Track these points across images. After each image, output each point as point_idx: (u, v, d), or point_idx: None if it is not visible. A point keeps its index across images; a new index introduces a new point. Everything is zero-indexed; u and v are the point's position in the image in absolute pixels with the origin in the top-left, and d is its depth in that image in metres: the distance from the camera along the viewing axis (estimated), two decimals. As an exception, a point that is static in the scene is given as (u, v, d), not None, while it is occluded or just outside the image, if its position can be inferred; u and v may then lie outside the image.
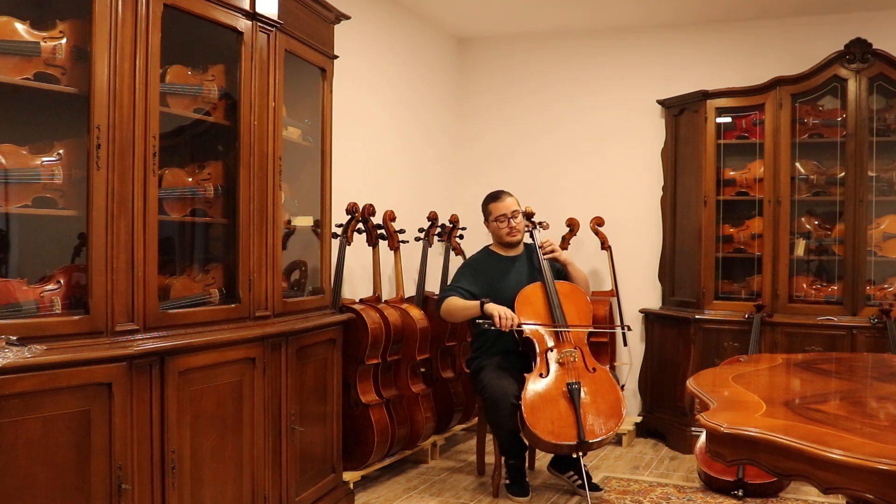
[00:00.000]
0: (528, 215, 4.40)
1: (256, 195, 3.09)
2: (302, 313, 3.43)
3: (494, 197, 4.22)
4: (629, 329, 4.81)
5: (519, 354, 4.01)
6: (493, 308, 3.85)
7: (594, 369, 3.94)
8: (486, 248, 4.32)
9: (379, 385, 4.19)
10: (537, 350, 3.89)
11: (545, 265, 4.10)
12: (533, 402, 3.73)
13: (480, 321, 3.87)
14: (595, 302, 4.69)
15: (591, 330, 4.16)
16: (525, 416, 3.69)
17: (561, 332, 3.96)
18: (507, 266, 4.21)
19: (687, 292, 5.23)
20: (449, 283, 4.44)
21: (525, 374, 3.83)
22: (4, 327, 2.16)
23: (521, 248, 4.27)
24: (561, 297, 4.05)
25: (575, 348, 3.95)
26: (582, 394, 3.77)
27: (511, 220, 4.15)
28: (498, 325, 3.80)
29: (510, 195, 4.21)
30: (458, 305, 3.99)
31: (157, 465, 2.54)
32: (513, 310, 3.90)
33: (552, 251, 4.16)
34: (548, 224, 4.48)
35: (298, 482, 3.34)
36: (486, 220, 4.26)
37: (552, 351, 3.91)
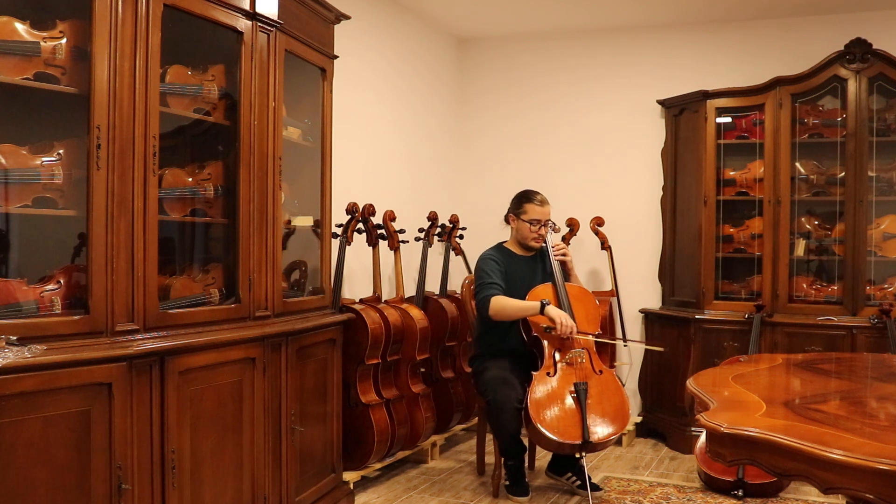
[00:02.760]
0: None
1: (256, 195, 3.09)
2: (302, 313, 3.43)
3: (533, 198, 4.14)
4: (663, 350, 4.81)
5: (524, 354, 4.01)
6: (554, 312, 3.82)
7: (601, 371, 3.94)
8: (501, 246, 4.26)
9: (379, 385, 4.19)
10: (546, 349, 3.89)
11: (556, 268, 4.09)
12: (539, 400, 3.73)
13: (544, 325, 3.84)
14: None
15: (646, 345, 4.09)
16: (531, 413, 3.69)
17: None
18: (523, 266, 4.19)
19: (687, 292, 5.23)
20: (452, 280, 4.42)
21: (532, 373, 3.83)
22: (4, 327, 2.16)
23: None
24: (571, 300, 4.04)
25: (583, 349, 3.95)
26: (588, 395, 3.77)
27: (543, 226, 4.14)
28: (558, 332, 3.79)
29: (547, 201, 4.17)
30: (515, 305, 3.92)
31: (157, 465, 2.54)
32: None
33: (563, 254, 4.15)
34: (559, 227, 4.47)
35: (298, 482, 3.34)
36: (516, 216, 4.17)
37: (560, 351, 3.91)
